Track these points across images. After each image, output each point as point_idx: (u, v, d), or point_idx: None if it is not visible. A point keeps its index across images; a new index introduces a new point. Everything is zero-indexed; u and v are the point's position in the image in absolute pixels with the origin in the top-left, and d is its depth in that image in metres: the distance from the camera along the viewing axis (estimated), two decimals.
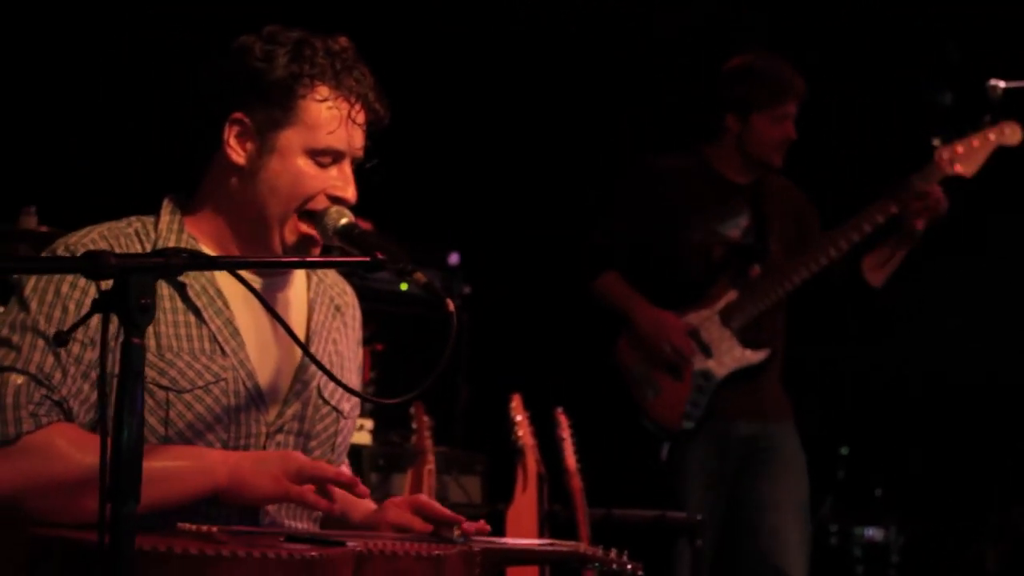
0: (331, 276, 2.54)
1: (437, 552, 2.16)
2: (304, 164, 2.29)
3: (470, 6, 6.20)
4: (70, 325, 2.07)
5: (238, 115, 2.28)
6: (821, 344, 4.83)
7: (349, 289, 2.57)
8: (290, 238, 2.31)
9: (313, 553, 1.98)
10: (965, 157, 4.06)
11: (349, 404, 2.44)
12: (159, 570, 1.85)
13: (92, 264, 1.70)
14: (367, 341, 4.19)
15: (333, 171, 2.31)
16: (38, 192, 4.37)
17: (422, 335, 4.73)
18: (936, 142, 4.07)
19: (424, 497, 2.42)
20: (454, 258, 5.14)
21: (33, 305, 2.16)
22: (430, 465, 3.54)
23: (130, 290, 1.69)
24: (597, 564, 2.46)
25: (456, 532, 2.32)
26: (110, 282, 1.73)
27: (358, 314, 2.58)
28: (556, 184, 5.89)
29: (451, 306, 2.20)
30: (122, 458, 1.67)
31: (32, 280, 2.19)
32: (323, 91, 2.28)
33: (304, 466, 2.15)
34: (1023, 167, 4.21)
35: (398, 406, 4.21)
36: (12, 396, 2.07)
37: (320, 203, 2.30)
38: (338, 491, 2.34)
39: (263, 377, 2.30)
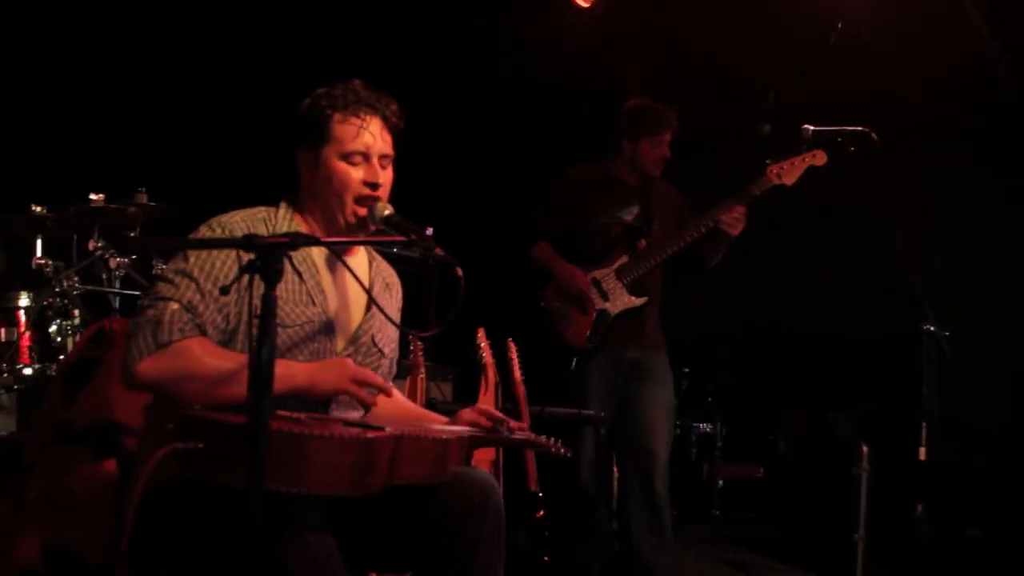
0: (384, 264, 2.60)
1: (445, 437, 2.22)
2: (342, 166, 2.36)
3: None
4: (218, 279, 2.18)
5: (301, 151, 2.38)
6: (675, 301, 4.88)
7: (395, 273, 2.63)
8: (351, 219, 2.38)
9: (369, 435, 2.05)
10: (787, 172, 4.12)
11: (388, 348, 2.50)
12: (272, 442, 1.86)
13: (248, 242, 1.79)
14: None
15: (364, 167, 2.37)
16: (146, 176, 4.39)
17: (410, 284, 4.80)
18: (768, 161, 4.14)
19: (484, 406, 2.50)
20: (429, 230, 5.22)
21: (192, 259, 2.23)
22: (421, 374, 3.58)
23: (268, 259, 1.77)
24: (543, 449, 2.53)
25: (503, 426, 2.43)
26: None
27: (400, 292, 2.63)
28: (508, 181, 5.97)
29: (459, 271, 2.25)
30: (262, 367, 1.75)
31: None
32: (341, 116, 2.36)
33: (356, 372, 2.23)
34: None
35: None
36: (168, 316, 2.16)
37: (361, 190, 2.36)
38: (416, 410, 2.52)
39: (338, 323, 2.37)
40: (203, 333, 2.20)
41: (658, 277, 4.37)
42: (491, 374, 3.45)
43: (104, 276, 4.20)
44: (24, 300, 3.99)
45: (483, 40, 6.32)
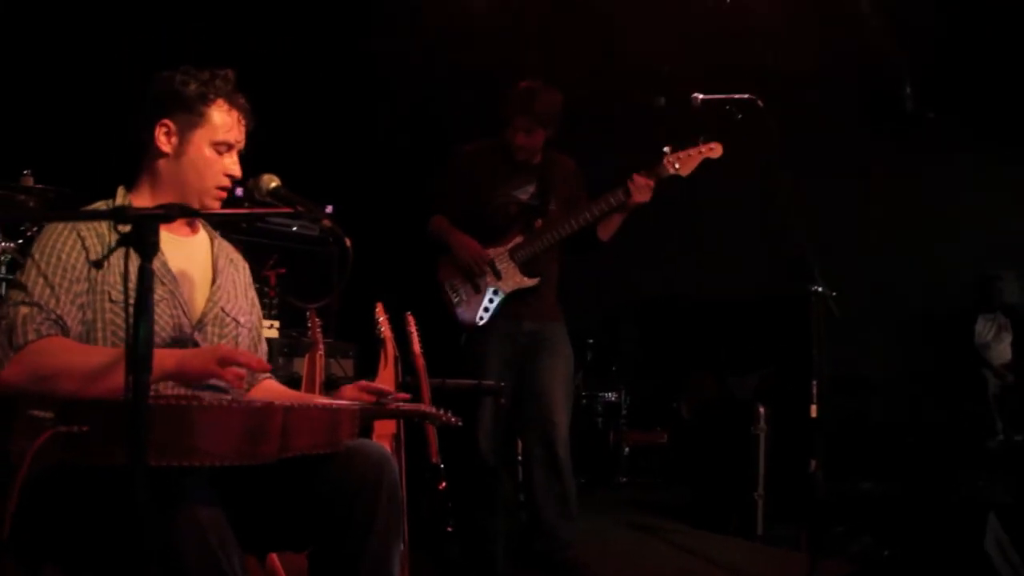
0: (226, 243, 2.61)
1: (335, 406, 2.21)
2: (209, 153, 2.38)
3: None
4: (67, 269, 2.21)
5: (165, 121, 2.37)
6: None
7: (238, 252, 2.65)
8: (201, 204, 2.39)
9: (258, 404, 2.03)
10: (683, 163, 4.11)
11: (244, 317, 2.50)
12: (158, 415, 1.85)
13: (120, 214, 1.75)
14: (273, 267, 4.21)
15: (227, 158, 2.41)
16: (32, 159, 4.26)
17: (309, 262, 4.75)
18: (666, 149, 4.13)
19: (365, 382, 2.50)
20: (328, 209, 5.15)
21: (37, 256, 2.24)
22: (320, 351, 3.54)
23: (145, 231, 1.72)
24: (432, 418, 2.56)
25: (388, 397, 2.43)
26: (128, 227, 1.74)
27: (247, 268, 2.65)
28: (408, 157, 5.92)
29: (348, 243, 2.27)
30: (140, 342, 1.70)
31: (40, 242, 2.26)
32: (222, 104, 2.39)
33: (226, 354, 2.16)
34: None
35: (296, 309, 4.22)
36: (20, 319, 2.15)
37: (223, 180, 2.40)
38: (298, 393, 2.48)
39: (188, 297, 2.37)
40: (62, 327, 2.20)
41: (553, 256, 4.34)
42: (390, 348, 3.42)
43: None
44: None
45: (384, 13, 6.26)
